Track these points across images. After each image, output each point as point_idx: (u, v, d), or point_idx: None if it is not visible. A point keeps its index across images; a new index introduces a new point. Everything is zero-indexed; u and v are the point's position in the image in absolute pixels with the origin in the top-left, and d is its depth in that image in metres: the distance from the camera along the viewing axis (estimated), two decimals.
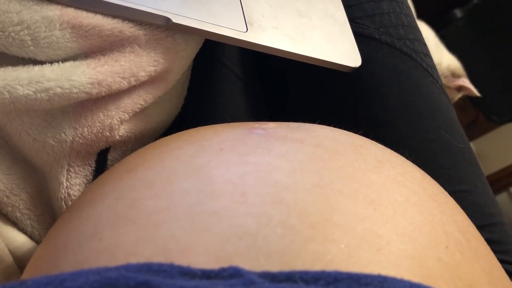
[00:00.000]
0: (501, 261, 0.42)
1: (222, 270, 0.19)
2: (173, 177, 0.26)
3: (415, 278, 0.22)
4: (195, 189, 0.25)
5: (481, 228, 0.42)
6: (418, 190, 0.29)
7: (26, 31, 0.29)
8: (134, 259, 0.22)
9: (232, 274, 0.19)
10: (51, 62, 0.31)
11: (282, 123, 0.33)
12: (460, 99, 1.10)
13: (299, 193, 0.25)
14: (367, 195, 0.26)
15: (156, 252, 0.22)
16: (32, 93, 0.29)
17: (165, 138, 0.33)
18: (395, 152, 0.32)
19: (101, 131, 0.34)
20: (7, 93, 0.28)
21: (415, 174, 0.31)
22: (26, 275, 0.28)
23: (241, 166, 0.26)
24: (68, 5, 0.30)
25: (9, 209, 0.35)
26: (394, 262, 0.23)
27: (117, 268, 0.19)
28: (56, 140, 0.33)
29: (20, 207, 0.35)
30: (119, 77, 0.32)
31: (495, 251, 0.42)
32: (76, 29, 0.30)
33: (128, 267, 0.19)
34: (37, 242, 0.37)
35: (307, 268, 0.21)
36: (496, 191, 1.59)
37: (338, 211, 0.24)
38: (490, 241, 0.42)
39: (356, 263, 0.22)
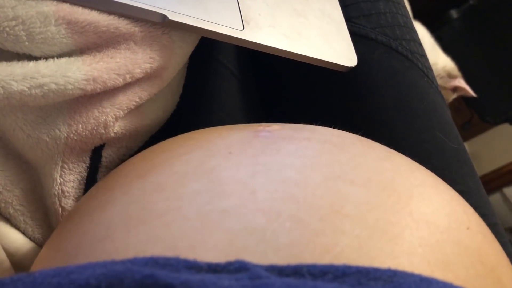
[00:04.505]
0: None
1: (228, 264, 0.19)
2: (184, 181, 0.26)
3: (430, 268, 0.22)
4: (206, 189, 0.25)
5: None
6: (432, 175, 0.29)
7: (21, 26, 0.29)
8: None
9: (238, 268, 0.19)
10: (46, 58, 0.30)
11: (285, 124, 0.33)
12: (455, 99, 1.10)
13: (309, 187, 0.25)
14: (380, 182, 0.25)
15: (165, 250, 0.22)
16: (27, 89, 0.29)
17: (170, 141, 0.33)
18: None
19: (95, 128, 0.34)
20: (1, 89, 0.28)
21: (422, 166, 0.31)
22: None
23: (251, 167, 0.26)
24: (64, 1, 0.30)
25: (2, 205, 0.34)
26: (408, 251, 0.22)
27: (123, 262, 0.19)
28: (50, 136, 0.32)
29: (13, 203, 0.35)
30: (114, 73, 0.32)
31: None
32: (71, 25, 0.30)
33: (134, 261, 0.19)
34: (30, 238, 0.36)
35: (315, 261, 0.21)
36: (490, 191, 1.60)
37: (348, 201, 0.24)
38: None
39: (366, 254, 0.21)
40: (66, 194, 0.35)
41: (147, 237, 0.23)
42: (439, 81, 1.01)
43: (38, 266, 0.29)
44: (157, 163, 0.29)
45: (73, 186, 0.35)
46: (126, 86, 0.34)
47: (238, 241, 0.22)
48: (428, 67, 0.48)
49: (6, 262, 0.34)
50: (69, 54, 0.31)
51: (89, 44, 0.32)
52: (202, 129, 0.34)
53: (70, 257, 0.25)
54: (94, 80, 0.31)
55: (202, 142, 0.30)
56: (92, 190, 0.32)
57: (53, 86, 0.30)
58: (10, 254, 0.35)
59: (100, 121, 0.34)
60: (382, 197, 0.25)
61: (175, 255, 0.21)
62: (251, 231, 0.22)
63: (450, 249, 0.24)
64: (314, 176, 0.25)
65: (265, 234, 0.22)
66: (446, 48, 1.11)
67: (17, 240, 0.36)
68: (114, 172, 0.32)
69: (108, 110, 0.34)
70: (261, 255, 0.21)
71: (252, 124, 0.34)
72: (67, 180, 0.35)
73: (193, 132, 0.33)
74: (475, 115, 1.51)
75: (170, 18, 0.33)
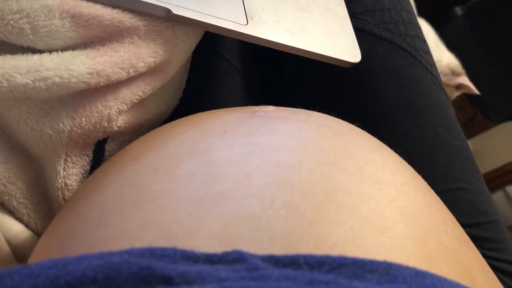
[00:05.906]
0: (496, 259, 0.42)
1: (226, 254, 0.19)
2: (177, 162, 0.26)
3: (418, 261, 0.22)
4: (199, 171, 0.25)
5: (476, 226, 0.43)
6: (416, 177, 0.29)
7: (25, 19, 0.29)
8: (138, 244, 0.22)
9: (236, 258, 0.19)
10: (50, 51, 0.30)
11: (282, 107, 0.33)
12: (458, 97, 1.10)
13: (303, 172, 0.24)
14: (371, 174, 0.26)
15: (160, 237, 0.22)
16: (31, 82, 0.29)
17: (166, 125, 0.33)
18: None
19: (99, 121, 0.34)
20: (5, 82, 0.28)
21: (409, 165, 0.31)
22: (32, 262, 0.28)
23: (245, 146, 0.26)
24: None
25: (6, 198, 0.35)
26: (399, 245, 0.23)
27: (120, 253, 0.19)
28: (54, 129, 0.33)
29: (17, 196, 0.35)
30: (118, 67, 0.32)
31: (490, 249, 0.42)
32: (75, 18, 0.30)
33: (131, 252, 0.19)
34: (34, 231, 0.37)
35: (311, 251, 0.21)
36: (492, 190, 1.60)
37: (342, 191, 0.24)
38: (485, 239, 0.43)
39: (360, 246, 0.22)
40: (70, 187, 0.35)
41: (142, 223, 0.23)
42: (443, 78, 1.01)
43: (35, 253, 0.29)
44: (152, 145, 0.29)
45: (76, 180, 0.36)
46: (129, 80, 0.34)
47: (233, 228, 0.22)
48: (432, 63, 0.48)
49: (6, 249, 0.34)
50: (73, 47, 0.31)
51: (93, 38, 0.32)
52: (200, 112, 0.33)
53: (65, 242, 0.25)
54: (97, 73, 0.31)
55: (198, 123, 0.30)
56: (89, 177, 0.32)
57: (57, 79, 0.30)
58: (13, 247, 0.35)
59: (103, 114, 0.34)
60: (373, 189, 0.25)
61: (171, 243, 0.21)
62: (246, 218, 0.22)
63: (434, 247, 0.24)
64: (308, 160, 0.25)
65: (260, 221, 0.22)
66: (450, 45, 1.11)
67: (21, 232, 0.36)
68: (110, 159, 0.32)
69: (112, 104, 0.34)
70: (256, 243, 0.21)
71: (249, 106, 0.34)
72: (70, 174, 0.35)
73: (191, 115, 0.33)
74: (479, 113, 1.51)
75: (174, 12, 0.33)
